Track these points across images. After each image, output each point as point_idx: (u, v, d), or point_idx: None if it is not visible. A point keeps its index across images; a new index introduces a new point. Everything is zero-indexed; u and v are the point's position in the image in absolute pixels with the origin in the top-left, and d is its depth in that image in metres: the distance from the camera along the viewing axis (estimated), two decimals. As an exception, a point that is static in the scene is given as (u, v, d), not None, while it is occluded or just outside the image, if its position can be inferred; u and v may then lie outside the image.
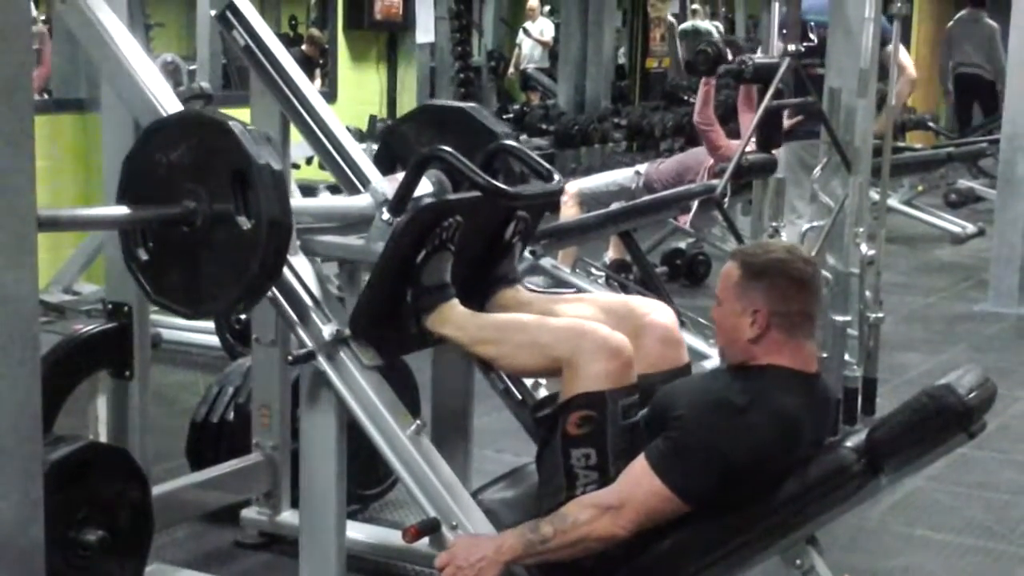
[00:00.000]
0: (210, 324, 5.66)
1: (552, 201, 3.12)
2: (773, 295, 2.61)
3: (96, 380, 3.38)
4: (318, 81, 9.37)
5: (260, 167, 2.53)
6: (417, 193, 2.86)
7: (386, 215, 2.83)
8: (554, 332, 2.70)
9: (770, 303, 2.61)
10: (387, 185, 2.94)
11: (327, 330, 2.76)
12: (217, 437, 3.83)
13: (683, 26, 14.00)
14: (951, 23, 12.48)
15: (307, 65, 9.16)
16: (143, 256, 2.70)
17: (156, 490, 3.18)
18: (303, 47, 10.06)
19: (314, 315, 2.79)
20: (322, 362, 2.77)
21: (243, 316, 5.36)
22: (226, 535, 3.74)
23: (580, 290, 5.83)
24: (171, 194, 2.62)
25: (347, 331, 2.78)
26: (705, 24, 13.80)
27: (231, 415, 3.84)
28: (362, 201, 2.98)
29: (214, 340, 5.62)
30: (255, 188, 2.53)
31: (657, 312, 2.90)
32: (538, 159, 3.06)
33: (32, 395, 2.23)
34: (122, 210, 2.68)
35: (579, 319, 2.78)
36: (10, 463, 2.20)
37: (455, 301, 2.81)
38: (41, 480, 2.28)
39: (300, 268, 2.83)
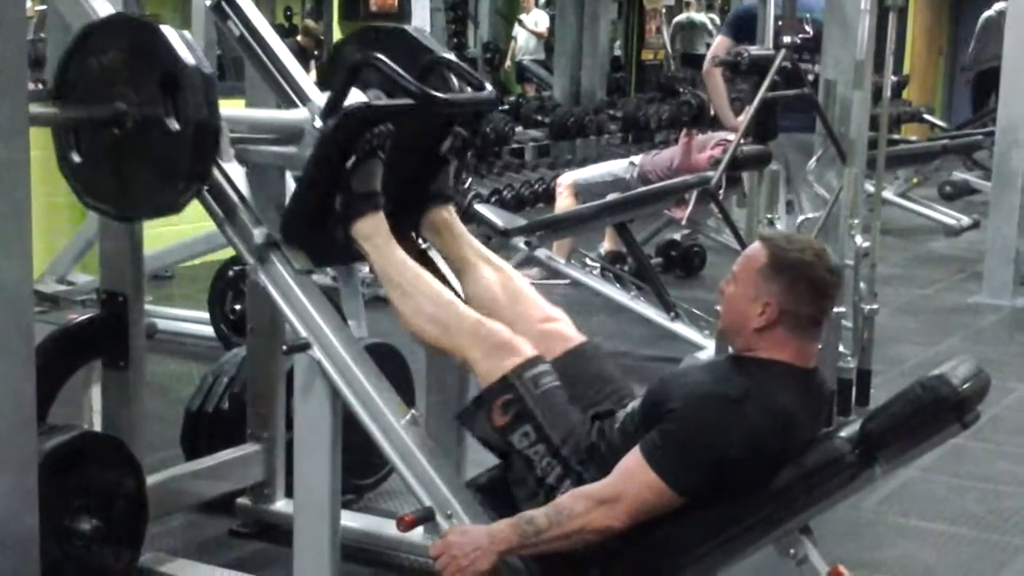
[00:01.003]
0: (205, 314, 5.67)
1: (484, 111, 3.12)
2: (789, 294, 2.60)
3: (90, 370, 3.39)
4: (313, 72, 9.35)
5: (189, 69, 2.59)
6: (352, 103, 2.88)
7: (318, 122, 2.85)
8: (459, 321, 2.76)
9: (784, 300, 2.60)
10: (324, 98, 2.94)
11: (258, 233, 2.80)
12: (211, 427, 3.83)
13: (678, 18, 14.00)
14: (992, 13, 12.45)
15: (303, 56, 9.14)
16: (75, 158, 2.75)
17: (150, 479, 3.18)
18: (298, 38, 10.05)
19: (245, 218, 2.83)
20: (256, 267, 2.82)
21: (237, 306, 5.38)
22: (221, 524, 3.74)
23: (575, 282, 5.87)
24: (102, 96, 2.67)
25: (278, 235, 2.80)
26: (700, 16, 13.81)
27: (225, 405, 3.84)
28: (299, 114, 2.99)
29: (209, 330, 5.62)
30: (184, 90, 2.59)
31: (549, 322, 2.94)
32: (473, 72, 3.10)
33: (26, 385, 2.24)
34: (52, 109, 2.72)
35: (483, 296, 2.91)
36: (5, 452, 2.21)
37: (381, 214, 2.85)
38: (36, 469, 2.29)
39: (232, 173, 2.86)
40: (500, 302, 2.92)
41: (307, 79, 3.15)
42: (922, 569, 3.68)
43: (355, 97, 2.90)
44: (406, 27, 3.30)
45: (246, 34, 3.23)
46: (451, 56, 3.13)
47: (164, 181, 2.68)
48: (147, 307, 3.44)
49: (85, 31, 2.78)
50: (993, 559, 3.76)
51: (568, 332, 2.94)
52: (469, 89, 3.08)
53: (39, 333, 2.71)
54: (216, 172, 2.80)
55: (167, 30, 2.63)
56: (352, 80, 2.87)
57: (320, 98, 2.97)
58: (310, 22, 10.25)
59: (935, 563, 3.72)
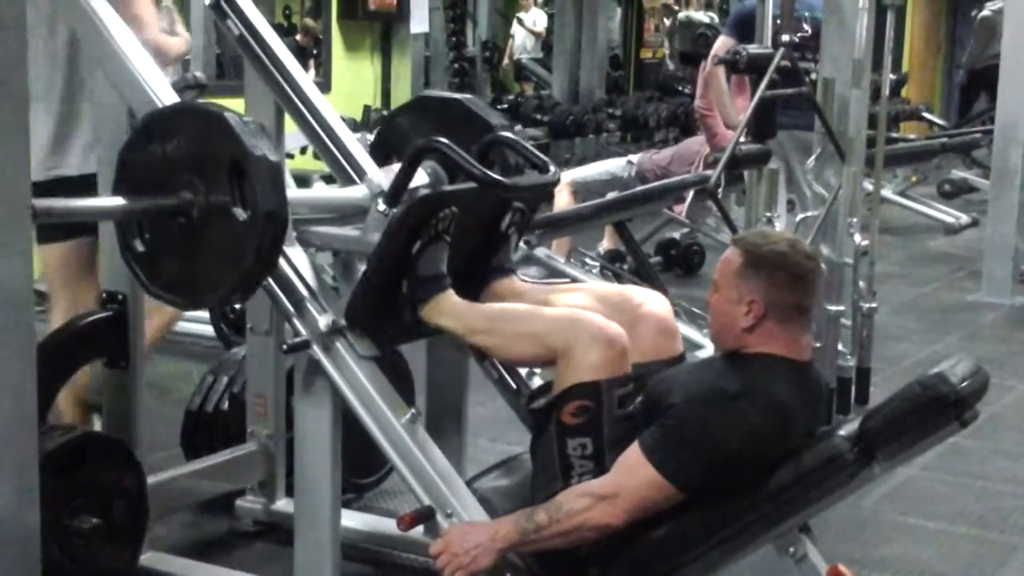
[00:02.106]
0: (205, 314, 5.66)
1: (548, 192, 3.12)
2: (771, 287, 2.62)
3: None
4: (312, 71, 9.36)
5: (256, 159, 2.54)
6: (413, 184, 2.87)
7: (382, 206, 2.83)
8: (549, 322, 2.70)
9: (767, 295, 2.61)
10: (383, 176, 2.95)
11: (323, 320, 2.77)
12: (212, 426, 3.84)
13: (677, 16, 13.98)
14: (988, 13, 12.47)
15: (301, 55, 9.15)
16: (139, 247, 2.71)
17: (151, 479, 3.19)
18: (297, 37, 10.04)
19: (310, 306, 2.80)
20: (318, 352, 2.77)
21: (237, 306, 5.38)
22: (221, 524, 3.74)
23: (574, 280, 5.87)
24: (167, 186, 2.62)
25: (343, 321, 2.78)
26: (699, 15, 13.79)
27: (226, 404, 3.84)
28: (358, 192, 2.98)
29: (209, 330, 5.62)
30: (251, 180, 2.53)
31: (652, 302, 2.90)
32: (534, 150, 3.07)
33: (27, 384, 2.24)
34: (118, 201, 2.68)
35: (574, 309, 2.79)
36: (6, 452, 2.21)
37: (451, 291, 2.81)
38: (37, 469, 2.29)
39: (296, 259, 2.84)
40: (594, 309, 2.81)
41: (362, 152, 3.15)
42: (921, 567, 3.69)
43: (416, 177, 2.89)
44: (462, 98, 3.29)
45: (245, 33, 3.24)
46: (511, 135, 3.12)
47: (231, 270, 2.62)
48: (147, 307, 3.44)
49: (150, 118, 2.76)
50: (992, 557, 3.76)
51: (669, 324, 2.88)
52: (530, 167, 3.06)
53: (40, 333, 2.72)
54: (281, 259, 2.76)
55: (233, 118, 2.57)
56: (416, 164, 2.86)
57: (377, 174, 2.96)
58: (309, 21, 10.23)
59: (934, 561, 3.73)
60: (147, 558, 3.22)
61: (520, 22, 13.49)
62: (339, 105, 6.60)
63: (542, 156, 3.04)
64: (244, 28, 3.24)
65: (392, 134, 3.29)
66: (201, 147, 2.61)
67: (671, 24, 13.84)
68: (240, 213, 2.56)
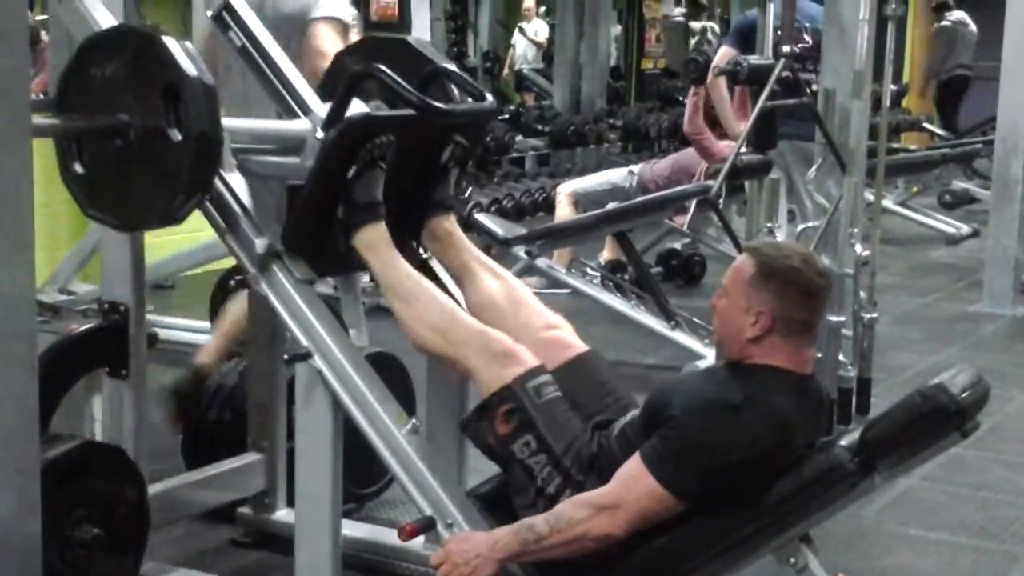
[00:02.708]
0: (206, 324, 5.66)
1: (485, 121, 3.14)
2: (780, 301, 2.61)
3: (92, 379, 3.39)
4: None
5: (191, 80, 2.61)
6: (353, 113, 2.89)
7: (320, 133, 2.86)
8: (462, 331, 2.77)
9: (776, 308, 2.61)
10: (326, 109, 2.95)
11: (259, 243, 2.81)
12: (213, 436, 3.84)
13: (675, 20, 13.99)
14: (947, 24, 12.53)
15: (303, 65, 9.15)
16: (78, 169, 2.77)
17: (152, 489, 3.19)
18: (299, 48, 10.05)
19: (246, 228, 2.84)
20: (257, 277, 2.83)
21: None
22: (222, 534, 3.74)
23: (576, 291, 5.88)
24: (104, 107, 2.68)
25: (279, 246, 2.81)
26: (697, 25, 13.79)
27: (227, 414, 3.84)
28: (301, 125, 2.99)
29: (210, 339, 5.62)
30: (186, 101, 2.60)
31: (552, 330, 2.95)
32: (473, 83, 3.11)
33: (29, 394, 2.24)
34: (55, 120, 2.75)
35: (485, 304, 2.93)
36: (7, 461, 2.21)
37: (383, 224, 2.85)
38: (38, 478, 2.29)
39: (234, 183, 2.87)
40: (502, 310, 2.93)
41: (308, 89, 3.16)
42: (922, 577, 3.69)
43: (356, 108, 2.91)
44: (407, 38, 3.31)
45: (247, 44, 3.23)
46: (452, 67, 3.14)
47: (166, 191, 2.70)
48: (148, 316, 3.44)
49: (87, 42, 2.80)
50: (993, 568, 3.76)
51: (570, 340, 2.95)
52: (470, 99, 3.09)
53: (41, 343, 2.72)
54: (218, 182, 2.82)
55: (169, 41, 2.64)
56: (353, 91, 2.88)
57: (321, 109, 2.98)
58: (310, 32, 10.25)
59: (935, 572, 3.72)
60: (148, 568, 3.21)
61: (522, 32, 13.50)
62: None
63: (480, 87, 3.08)
64: (246, 39, 3.24)
65: (339, 73, 3.28)
66: (138, 70, 2.67)
67: (667, 34, 13.86)
68: (175, 134, 2.62)
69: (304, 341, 2.80)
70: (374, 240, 2.85)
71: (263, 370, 3.61)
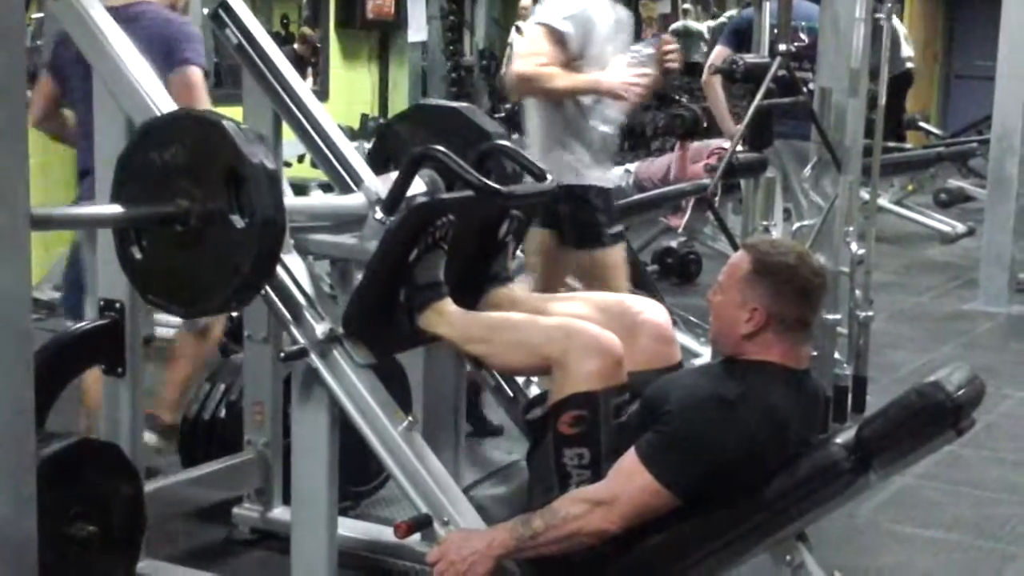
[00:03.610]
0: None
1: (544, 200, 3.13)
2: (776, 298, 2.62)
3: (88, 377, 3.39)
4: (310, 79, 9.37)
5: (254, 166, 2.54)
6: (410, 192, 2.87)
7: (379, 214, 2.83)
8: (544, 331, 2.71)
9: (770, 305, 2.62)
10: (380, 184, 2.95)
11: (320, 328, 2.77)
12: (209, 434, 3.84)
13: (674, 26, 14.00)
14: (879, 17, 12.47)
15: (299, 64, 9.15)
16: (137, 255, 2.71)
17: (148, 486, 3.19)
18: (295, 45, 10.05)
19: (307, 314, 2.80)
20: (315, 360, 2.77)
21: (235, 314, 5.38)
22: (218, 532, 3.74)
23: (572, 289, 5.88)
24: (165, 193, 2.62)
25: (340, 329, 2.78)
26: (697, 25, 13.79)
27: (223, 412, 3.84)
28: (356, 200, 2.99)
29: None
30: (248, 187, 2.54)
31: (650, 310, 2.91)
32: (530, 158, 3.08)
33: (24, 392, 2.24)
34: (116, 209, 2.68)
35: (570, 318, 2.79)
36: (3, 459, 2.21)
37: (448, 299, 2.82)
38: (34, 476, 2.29)
39: (293, 266, 2.84)
40: (591, 317, 2.82)
41: (359, 160, 3.16)
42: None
43: (413, 185, 2.90)
44: (459, 107, 3.30)
45: (243, 42, 3.24)
46: (508, 144, 3.14)
47: (228, 278, 2.62)
48: (144, 314, 3.44)
49: (148, 126, 2.76)
50: (988, 566, 3.77)
51: (667, 332, 2.91)
52: (529, 177, 3.07)
53: (37, 340, 2.72)
54: (278, 267, 2.76)
55: (230, 126, 2.58)
56: (413, 172, 2.87)
57: (374, 181, 2.97)
58: (307, 29, 10.24)
59: (930, 570, 3.73)
60: (144, 566, 3.21)
61: (519, 31, 13.49)
62: (337, 113, 6.61)
63: (538, 164, 3.05)
64: (242, 37, 3.24)
65: (390, 142, 3.29)
66: (198, 155, 2.61)
67: (668, 35, 13.86)
68: (237, 221, 2.56)
69: (364, 428, 2.76)
70: (440, 317, 2.80)
71: (259, 368, 3.61)
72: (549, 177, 3.02)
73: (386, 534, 3.18)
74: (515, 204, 3.01)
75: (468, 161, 2.88)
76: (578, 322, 2.72)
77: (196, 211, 2.60)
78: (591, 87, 4.02)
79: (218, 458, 3.68)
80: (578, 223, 4.10)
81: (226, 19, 3.25)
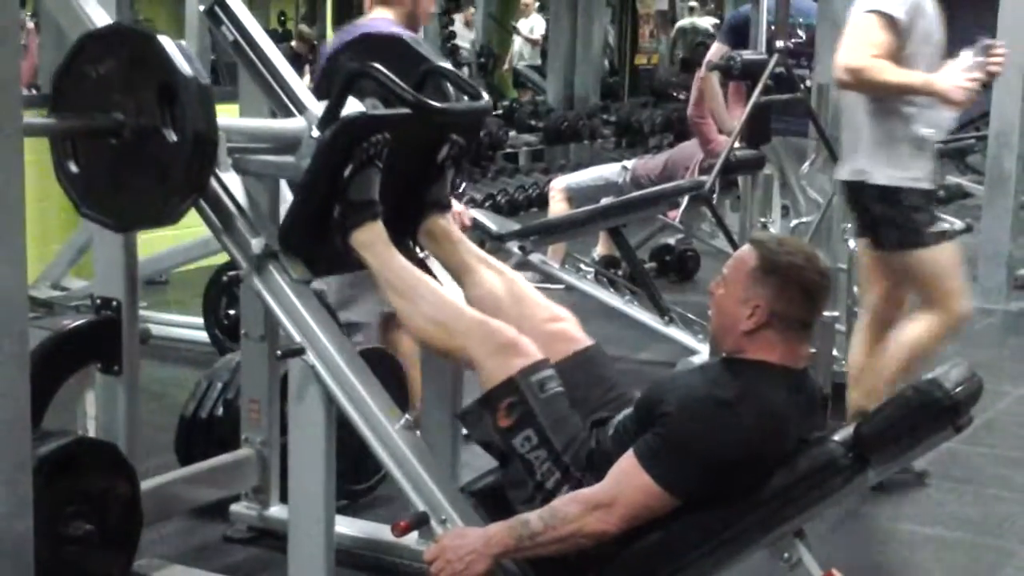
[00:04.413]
0: (199, 319, 5.66)
1: (480, 120, 3.13)
2: (779, 297, 2.61)
3: (85, 375, 3.38)
4: (307, 77, 9.36)
5: (187, 80, 2.59)
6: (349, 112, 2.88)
7: (315, 131, 2.85)
8: (463, 322, 2.76)
9: (773, 303, 2.60)
10: (321, 108, 2.95)
11: (256, 243, 2.80)
12: (206, 432, 3.83)
13: (680, 23, 14.01)
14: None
15: (296, 61, 9.15)
16: (73, 168, 2.75)
17: (145, 485, 3.18)
18: (292, 43, 10.06)
19: (242, 228, 2.83)
20: (252, 277, 2.81)
21: (232, 312, 5.38)
22: (215, 530, 3.74)
23: (569, 287, 5.88)
24: (99, 107, 2.67)
25: (275, 246, 2.80)
26: (703, 21, 13.81)
27: (220, 410, 3.84)
28: (296, 123, 2.98)
29: (203, 335, 5.62)
30: (181, 102, 2.59)
31: (556, 322, 2.95)
32: (469, 81, 3.10)
33: (20, 390, 2.24)
34: (50, 120, 2.72)
35: (487, 299, 2.89)
36: (-1, 458, 2.20)
37: (380, 223, 2.84)
38: (30, 475, 2.28)
39: (230, 183, 2.86)
40: (504, 304, 2.91)
41: (303, 87, 3.15)
42: (916, 573, 3.69)
43: (352, 106, 2.90)
44: (402, 35, 3.30)
45: (240, 39, 3.23)
46: (447, 65, 3.14)
47: (161, 191, 2.68)
48: (141, 312, 3.43)
49: (82, 41, 2.78)
50: (987, 563, 3.76)
51: (574, 333, 2.94)
52: (466, 98, 3.09)
53: (33, 338, 2.71)
54: (213, 182, 2.80)
55: (165, 40, 2.62)
56: (348, 89, 2.87)
57: (317, 107, 2.97)
58: (304, 27, 10.26)
59: (929, 567, 3.73)
60: (141, 564, 3.21)
61: (516, 31, 13.48)
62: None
63: (475, 85, 3.06)
64: (239, 34, 3.23)
65: (334, 72, 3.27)
66: (133, 69, 2.65)
67: (675, 32, 13.87)
68: (170, 134, 2.60)
69: (361, 425, 2.77)
70: (371, 239, 2.84)
71: (256, 365, 3.60)
72: (485, 96, 3.03)
73: (384, 532, 3.17)
74: (449, 119, 3.01)
75: (409, 84, 2.88)
76: (493, 321, 2.76)
77: (130, 124, 2.65)
78: (924, 88, 3.88)
79: (215, 456, 3.68)
80: (895, 224, 4.03)
81: (222, 16, 3.24)
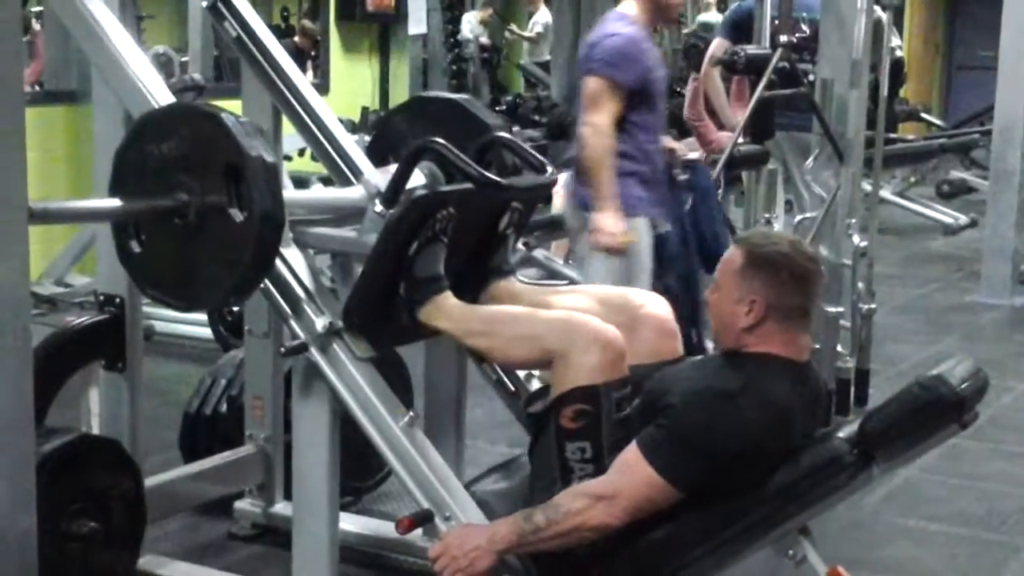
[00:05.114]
0: (203, 316, 5.66)
1: (545, 193, 3.11)
2: (772, 288, 2.61)
3: (89, 372, 3.39)
4: (310, 73, 9.36)
5: (253, 160, 2.52)
6: (410, 185, 2.86)
7: (379, 207, 2.82)
8: (546, 324, 2.69)
9: (768, 295, 2.61)
10: (380, 177, 2.93)
11: (320, 322, 2.76)
12: (210, 429, 3.83)
13: (701, 17, 13.98)
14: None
15: (299, 57, 9.14)
16: (135, 249, 2.69)
17: (149, 482, 3.18)
18: (295, 39, 10.03)
19: (307, 307, 2.78)
20: (315, 354, 2.76)
21: (235, 308, 5.38)
22: (219, 527, 3.74)
23: (572, 281, 5.87)
24: (163, 187, 2.61)
25: (340, 323, 2.77)
26: (717, 18, 13.78)
27: (224, 407, 3.84)
28: (355, 193, 2.97)
29: (207, 332, 5.62)
30: (247, 181, 2.53)
31: (653, 303, 2.90)
32: (531, 151, 3.06)
33: (24, 387, 2.24)
34: (114, 203, 2.66)
35: (572, 311, 2.78)
36: (2, 455, 2.21)
37: (448, 293, 2.80)
38: (33, 472, 2.29)
39: (293, 260, 2.82)
40: (593, 310, 2.81)
41: (359, 153, 3.14)
42: (920, 569, 3.69)
43: (412, 178, 2.88)
44: (459, 99, 3.28)
45: (243, 35, 3.23)
46: (508, 136, 3.11)
47: (228, 272, 2.61)
48: (145, 309, 3.43)
49: (146, 119, 2.75)
50: (992, 559, 3.76)
51: (669, 325, 2.88)
52: (527, 168, 3.05)
53: (37, 335, 2.71)
54: (278, 260, 2.75)
55: (229, 119, 2.56)
56: (413, 165, 2.85)
57: (373, 173, 2.94)
58: (307, 22, 10.23)
59: (934, 563, 3.72)
60: (145, 561, 3.21)
61: (512, 31, 13.44)
62: (337, 107, 6.60)
63: (539, 156, 3.04)
64: (242, 30, 3.23)
65: (389, 135, 3.27)
66: (197, 148, 2.60)
67: (696, 26, 13.85)
68: (236, 214, 2.54)
69: (365, 423, 2.74)
70: (440, 311, 2.78)
71: (260, 362, 3.60)
72: (549, 169, 3.01)
73: (388, 529, 3.18)
74: (515, 196, 2.99)
75: (468, 154, 2.86)
76: (580, 315, 2.71)
77: (195, 204, 2.58)
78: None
79: (219, 453, 3.68)
80: None
81: (225, 12, 3.24)
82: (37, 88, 7.09)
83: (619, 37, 3.92)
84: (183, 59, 7.45)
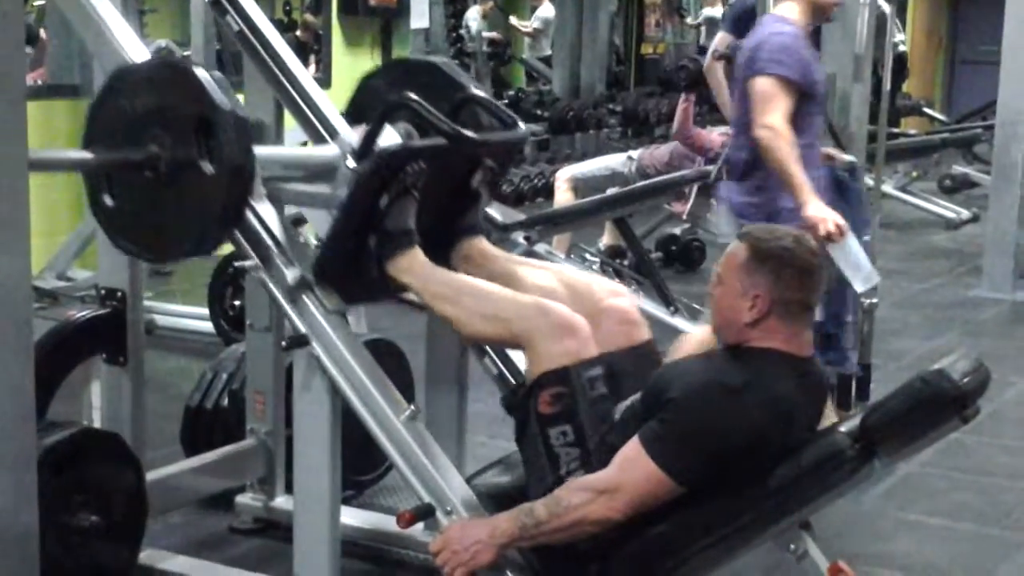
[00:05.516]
0: (204, 310, 5.66)
1: (515, 148, 3.12)
2: (776, 283, 2.60)
3: (90, 366, 3.39)
4: (312, 67, 9.34)
5: (223, 113, 2.56)
6: (384, 143, 2.86)
7: (351, 162, 2.83)
8: (516, 308, 2.71)
9: (772, 290, 2.60)
10: (355, 136, 2.94)
11: (290, 274, 2.77)
12: (211, 423, 3.83)
13: (706, 11, 13.97)
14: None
15: (302, 51, 9.13)
16: (108, 202, 2.73)
17: (150, 476, 3.19)
18: (297, 33, 10.03)
19: (277, 259, 2.80)
20: (285, 306, 2.78)
21: (237, 302, 5.39)
22: (221, 521, 3.74)
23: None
24: (135, 140, 2.65)
25: (311, 276, 2.79)
26: (717, 11, 13.76)
27: (225, 401, 3.84)
28: (329, 151, 2.97)
29: (208, 326, 5.62)
30: (218, 134, 2.57)
31: (614, 297, 2.92)
32: (504, 109, 3.08)
33: (25, 381, 2.24)
34: (86, 154, 2.70)
35: (538, 298, 2.78)
36: (4, 449, 2.21)
37: (418, 249, 2.82)
38: (35, 466, 2.29)
39: (264, 214, 2.83)
40: (559, 294, 2.85)
41: (335, 111, 3.14)
42: (922, 563, 3.69)
43: (385, 134, 2.89)
44: (436, 61, 3.28)
45: (245, 29, 3.23)
46: (482, 93, 3.12)
47: (197, 223, 2.65)
48: (146, 303, 3.44)
49: (117, 74, 2.76)
50: (993, 553, 3.76)
51: (634, 315, 2.92)
52: (500, 125, 3.06)
53: (39, 329, 2.71)
54: (248, 213, 2.77)
55: (200, 73, 2.60)
56: (386, 120, 2.86)
57: (348, 132, 2.95)
58: (309, 17, 10.22)
59: (935, 557, 3.72)
60: (146, 555, 3.21)
61: (512, 26, 13.43)
62: (339, 100, 6.61)
63: (511, 113, 3.05)
64: (244, 24, 3.23)
65: (365, 97, 3.26)
66: (169, 102, 2.63)
67: (702, 20, 13.84)
68: (207, 167, 2.58)
69: (366, 417, 2.75)
70: (409, 265, 2.80)
71: (261, 356, 3.60)
72: (521, 126, 3.02)
73: (389, 523, 3.18)
74: (485, 151, 3.00)
75: (443, 112, 2.87)
76: (549, 303, 2.73)
77: (166, 157, 2.62)
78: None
79: (221, 447, 3.68)
80: None
81: (227, 6, 3.24)
82: (39, 81, 7.08)
83: (784, 35, 3.93)
84: (185, 53, 7.45)
